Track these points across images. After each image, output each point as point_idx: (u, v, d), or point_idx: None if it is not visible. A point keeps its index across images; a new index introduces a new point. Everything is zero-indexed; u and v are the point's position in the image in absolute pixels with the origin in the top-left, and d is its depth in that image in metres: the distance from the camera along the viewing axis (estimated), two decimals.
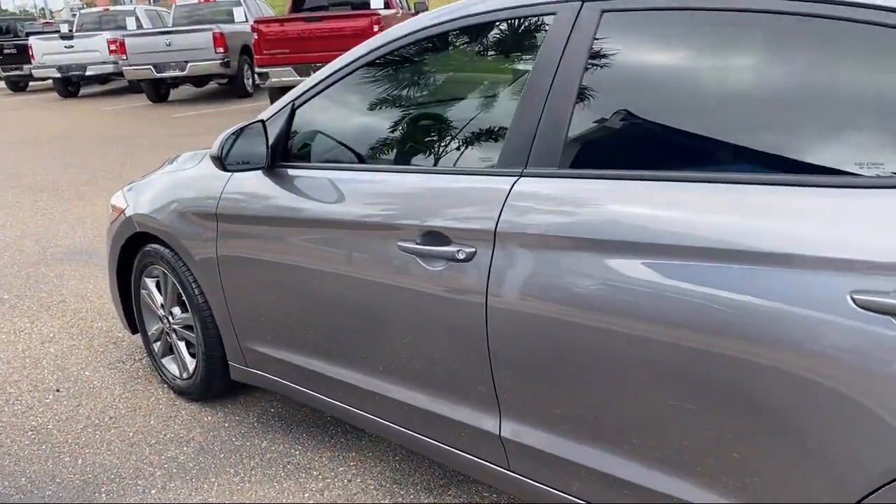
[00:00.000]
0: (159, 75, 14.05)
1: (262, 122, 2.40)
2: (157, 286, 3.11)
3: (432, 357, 2.03)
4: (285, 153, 2.47)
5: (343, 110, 2.43)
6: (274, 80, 11.33)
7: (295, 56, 11.15)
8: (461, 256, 1.88)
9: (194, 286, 2.80)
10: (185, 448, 2.76)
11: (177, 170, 2.96)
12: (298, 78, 11.22)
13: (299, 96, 2.43)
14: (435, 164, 2.14)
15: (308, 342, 2.43)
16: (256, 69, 11.41)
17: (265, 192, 2.44)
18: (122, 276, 3.24)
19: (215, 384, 2.95)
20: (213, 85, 15.36)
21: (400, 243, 2.02)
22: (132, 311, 3.29)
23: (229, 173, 2.60)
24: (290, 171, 2.41)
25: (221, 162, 2.35)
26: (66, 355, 3.59)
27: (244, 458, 2.68)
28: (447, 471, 2.54)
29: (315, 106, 2.43)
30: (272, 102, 12.75)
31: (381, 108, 2.33)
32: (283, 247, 2.37)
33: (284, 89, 11.60)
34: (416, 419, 2.16)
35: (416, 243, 1.98)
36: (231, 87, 15.00)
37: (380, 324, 2.14)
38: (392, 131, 2.30)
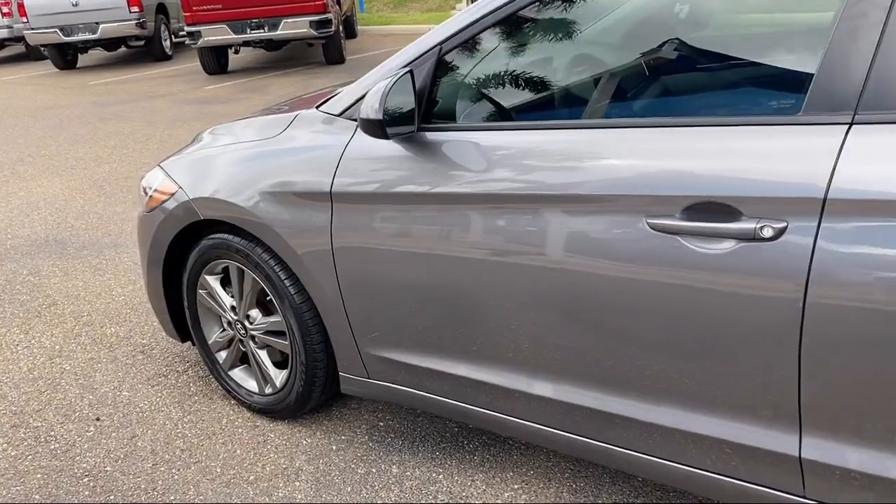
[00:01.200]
0: (67, 39, 12.77)
1: (411, 71, 1.87)
2: (224, 285, 2.53)
3: (689, 359, 1.60)
4: (427, 112, 1.95)
5: (512, 53, 1.92)
6: (208, 38, 10.39)
7: (229, 12, 10.24)
8: (766, 234, 1.44)
9: (289, 284, 2.25)
10: (297, 483, 2.25)
11: (245, 141, 2.37)
12: (234, 36, 10.36)
13: (450, 37, 1.90)
14: (689, 115, 1.67)
15: (468, 347, 1.95)
16: (186, 28, 10.42)
17: (407, 163, 1.92)
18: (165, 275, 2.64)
19: (314, 400, 2.43)
20: (124, 49, 14.09)
21: (651, 220, 1.56)
22: (177, 315, 2.70)
23: (344, 142, 2.06)
24: (442, 135, 1.90)
25: (383, 127, 1.80)
26: (88, 372, 2.96)
27: (379, 490, 2.19)
28: (645, 489, 2.13)
29: (468, 49, 1.91)
30: (203, 64, 11.85)
31: (580, 44, 1.84)
32: (435, 232, 1.87)
33: (216, 50, 10.69)
34: (656, 440, 1.73)
35: (681, 219, 1.53)
36: (147, 50, 13.83)
37: (602, 324, 1.68)
38: (608, 75, 1.81)
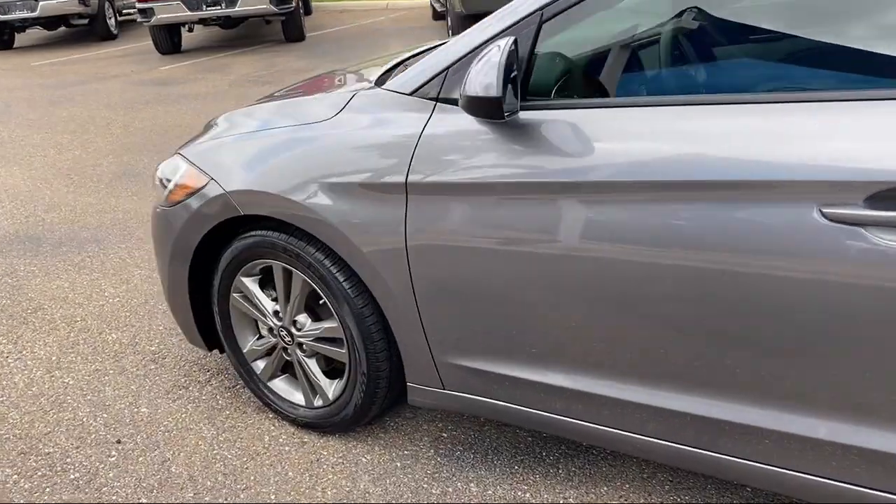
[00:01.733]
0: (3, 18, 12.02)
1: (516, 39, 1.61)
2: (262, 287, 2.25)
3: (859, 365, 1.41)
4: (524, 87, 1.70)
5: (629, 16, 1.68)
6: (161, 16, 9.84)
7: None
8: None
9: (349, 287, 1.99)
10: None
11: (285, 126, 2.08)
12: (189, 13, 9.86)
13: (553, 1, 1.65)
14: (877, 85, 1.46)
15: (573, 355, 1.73)
16: (137, 5, 9.85)
17: (499, 147, 1.67)
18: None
19: (373, 412, 2.17)
20: (64, 28, 13.32)
21: (826, 209, 1.35)
22: (202, 321, 2.42)
23: (421, 124, 1.80)
24: (541, 114, 1.66)
25: (502, 106, 1.55)
26: (96, 386, 2.65)
27: None
28: (756, 499, 1.95)
29: (575, 14, 1.67)
30: (155, 43, 11.21)
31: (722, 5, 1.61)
32: (536, 225, 1.64)
33: (170, 28, 10.16)
34: (779, 448, 1.53)
35: (864, 207, 1.33)
36: (90, 30, 13.12)
37: (751, 327, 1.48)
38: (769, 41, 1.58)
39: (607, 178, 1.54)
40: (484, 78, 1.54)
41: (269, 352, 2.34)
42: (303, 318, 2.18)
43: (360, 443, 2.25)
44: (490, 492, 2.02)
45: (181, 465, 2.21)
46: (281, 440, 2.29)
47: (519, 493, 2.01)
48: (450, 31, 9.12)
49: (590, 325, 1.67)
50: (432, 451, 2.20)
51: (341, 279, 2.00)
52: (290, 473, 2.15)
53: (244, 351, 2.37)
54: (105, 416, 2.47)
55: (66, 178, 5.22)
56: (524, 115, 1.67)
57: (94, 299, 3.31)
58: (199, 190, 2.18)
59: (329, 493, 2.06)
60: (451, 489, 2.04)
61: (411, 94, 1.85)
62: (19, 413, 2.52)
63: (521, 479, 2.06)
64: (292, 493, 2.07)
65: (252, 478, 2.14)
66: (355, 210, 1.88)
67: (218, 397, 2.53)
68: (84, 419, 2.46)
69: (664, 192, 1.49)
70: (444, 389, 1.99)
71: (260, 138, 2.11)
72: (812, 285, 1.39)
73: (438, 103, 1.80)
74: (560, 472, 2.08)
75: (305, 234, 2.03)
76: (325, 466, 2.17)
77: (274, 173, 2.01)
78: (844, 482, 1.49)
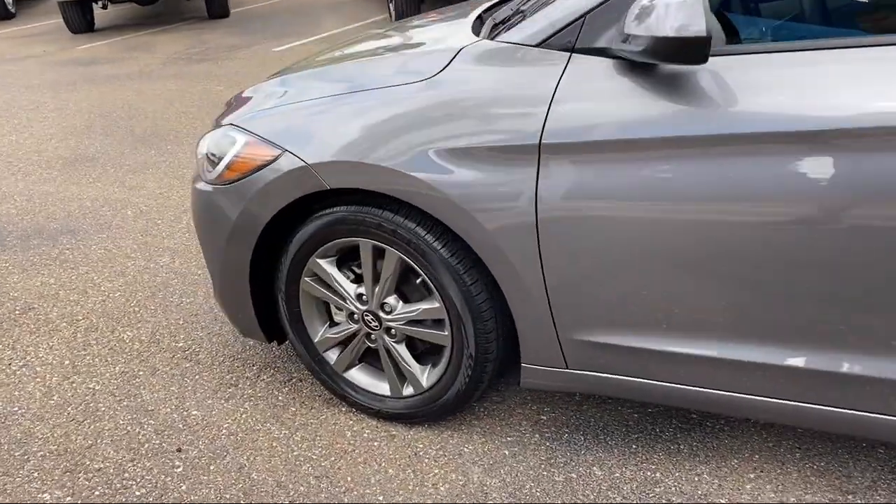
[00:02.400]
0: None
1: None
2: (341, 268, 2.04)
3: None
4: None
5: None
6: None
7: None
8: None
9: (455, 262, 1.81)
10: None
11: (372, 88, 1.87)
12: None
13: None
14: None
15: (724, 324, 1.61)
16: None
17: (658, 98, 1.53)
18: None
19: (476, 398, 2.01)
20: None
21: None
22: (260, 312, 2.18)
23: (555, 77, 1.63)
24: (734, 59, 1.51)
25: (705, 46, 1.39)
26: (130, 390, 2.37)
27: (599, 501, 1.82)
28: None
29: None
30: (67, 22, 10.41)
31: None
32: (697, 186, 1.50)
33: (82, 5, 9.48)
34: None
35: None
36: None
37: None
38: None
39: (791, 128, 1.41)
40: (680, 15, 1.38)
41: (345, 340, 2.12)
42: (393, 300, 1.98)
43: (454, 432, 2.08)
44: (617, 474, 1.89)
45: (262, 470, 1.99)
46: (366, 435, 2.09)
47: (648, 474, 1.89)
48: (390, 5, 8.84)
49: (759, 296, 1.55)
50: (537, 435, 2.05)
51: (447, 255, 1.82)
52: (391, 471, 1.96)
53: (315, 341, 2.15)
54: (152, 422, 2.20)
55: (8, 165, 4.75)
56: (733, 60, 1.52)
57: (90, 295, 2.99)
58: (268, 164, 1.94)
59: (441, 488, 1.89)
60: (573, 475, 1.90)
61: (539, 45, 1.67)
62: (47, 426, 2.22)
63: (645, 458, 1.94)
64: (400, 492, 1.88)
65: (349, 478, 1.94)
66: (475, 179, 1.70)
67: (276, 393, 2.30)
68: (128, 427, 2.19)
69: (853, 140, 1.37)
70: (566, 369, 1.84)
71: (343, 103, 1.89)
72: None
73: (574, 54, 1.63)
74: (682, 448, 1.97)
75: (403, 208, 1.83)
76: (425, 460, 1.98)
77: (369, 141, 1.80)
78: None
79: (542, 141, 1.62)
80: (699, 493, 1.82)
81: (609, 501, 1.81)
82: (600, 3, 1.60)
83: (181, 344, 2.60)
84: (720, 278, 1.57)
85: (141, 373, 2.45)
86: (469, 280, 1.83)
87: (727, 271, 1.55)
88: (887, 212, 1.37)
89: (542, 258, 1.71)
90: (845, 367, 1.54)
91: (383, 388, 2.12)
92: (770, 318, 1.57)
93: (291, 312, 2.13)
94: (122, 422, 2.22)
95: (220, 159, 2.05)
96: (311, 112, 1.93)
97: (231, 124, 2.08)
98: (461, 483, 1.90)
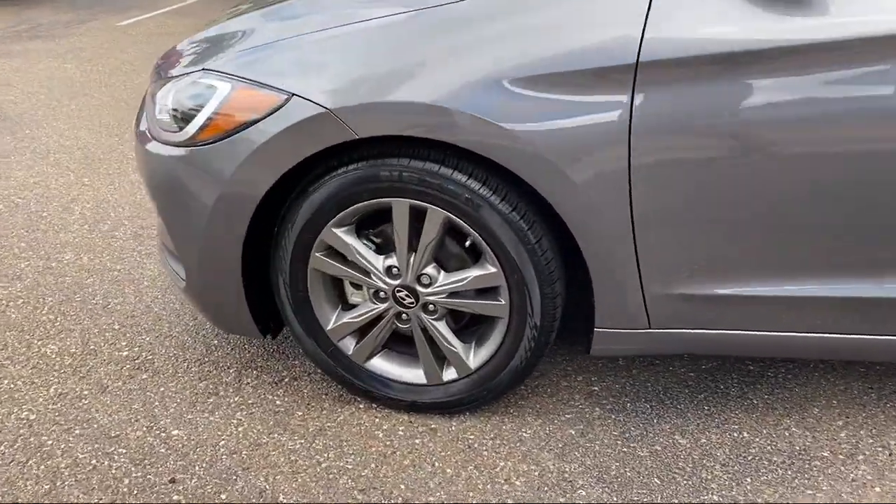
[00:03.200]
0: None
1: None
2: (362, 238, 1.70)
3: None
4: None
5: None
6: None
7: None
8: None
9: (518, 218, 1.53)
10: (582, 491, 1.59)
11: (401, 12, 1.54)
12: None
13: None
14: None
15: (819, 259, 1.47)
16: None
17: None
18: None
19: (531, 374, 1.74)
20: None
21: None
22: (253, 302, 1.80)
23: None
24: None
25: None
26: (77, 416, 1.90)
27: (702, 475, 1.62)
28: None
29: None
30: None
31: None
32: (845, 101, 1.33)
33: None
34: None
35: None
36: None
37: None
38: None
39: None
40: None
41: (367, 325, 1.78)
42: (432, 269, 1.67)
43: (504, 417, 1.80)
44: (703, 440, 1.70)
45: (290, 492, 1.62)
46: (401, 433, 1.77)
47: (735, 435, 1.71)
48: None
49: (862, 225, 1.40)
50: (597, 408, 1.82)
51: (507, 210, 1.53)
52: (449, 470, 1.65)
53: (328, 329, 1.79)
54: (123, 451, 1.76)
55: None
56: None
57: (47, 311, 2.41)
58: (268, 114, 1.56)
59: (517, 483, 1.61)
60: (657, 447, 1.69)
61: None
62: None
63: (723, 418, 1.76)
64: (471, 495, 1.59)
65: (402, 486, 1.62)
66: (556, 114, 1.42)
67: (270, 397, 1.92)
68: (94, 462, 1.73)
69: None
70: (649, 329, 1.62)
71: (370, 29, 1.54)
72: None
73: None
74: (756, 402, 1.81)
75: (450, 158, 1.53)
76: (484, 453, 1.70)
77: (414, 75, 1.48)
78: None
79: (641, 59, 1.36)
80: (796, 449, 1.66)
81: (709, 472, 1.61)
82: None
83: (126, 353, 2.13)
84: (836, 210, 1.39)
85: (86, 392, 1.97)
86: (534, 238, 1.55)
87: (845, 202, 1.38)
88: None
89: (633, 203, 1.46)
90: None
91: (415, 375, 1.80)
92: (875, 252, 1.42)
93: (296, 298, 1.75)
94: (82, 455, 1.75)
95: (193, 114, 1.64)
96: (322, 45, 1.57)
97: (205, 69, 1.66)
98: (537, 474, 1.63)
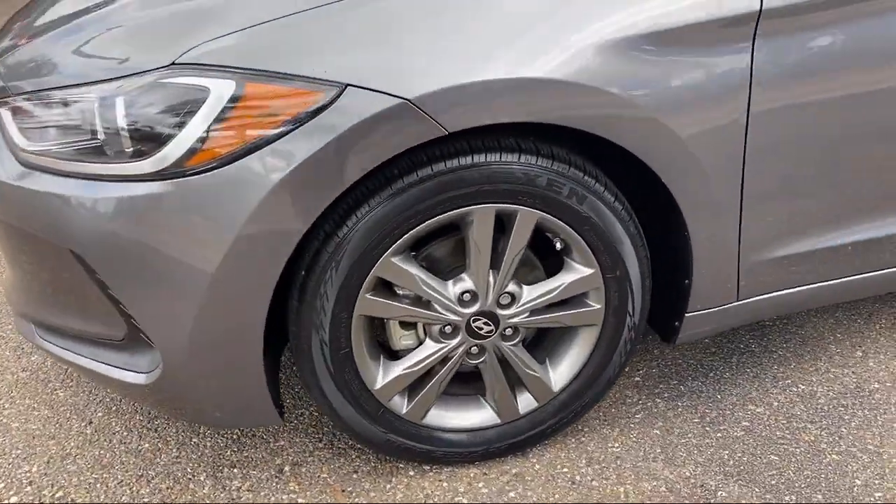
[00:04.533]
0: None
1: None
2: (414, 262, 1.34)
3: None
4: None
5: None
6: None
7: None
8: None
9: (621, 208, 1.33)
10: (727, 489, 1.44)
11: None
12: None
13: None
14: None
15: None
16: None
17: None
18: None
19: (615, 383, 1.54)
20: None
21: None
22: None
23: None
24: None
25: None
26: None
27: (793, 440, 1.57)
28: None
29: None
30: None
31: None
32: None
33: None
34: None
35: None
36: None
37: None
38: None
39: None
40: None
41: (425, 376, 1.41)
42: (514, 286, 1.37)
43: (574, 438, 1.57)
44: (775, 403, 1.65)
45: None
46: (485, 490, 1.45)
47: (795, 390, 1.70)
48: None
49: None
50: (658, 400, 1.68)
51: (611, 199, 1.32)
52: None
53: (375, 389, 1.38)
54: None
55: None
56: None
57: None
58: (307, 118, 1.13)
59: (631, 497, 1.41)
60: (745, 422, 1.60)
61: None
62: None
63: (773, 377, 1.74)
64: None
65: None
66: (676, 75, 1.23)
67: (278, 496, 1.45)
68: None
69: None
70: (737, 301, 1.51)
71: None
72: None
73: None
74: (784, 354, 1.81)
75: (544, 144, 1.26)
76: (594, 483, 1.46)
77: (509, 45, 1.17)
78: None
79: (764, 6, 1.23)
80: (850, 388, 1.69)
81: (808, 433, 1.56)
82: None
83: (95, 451, 1.46)
84: None
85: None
86: (635, 229, 1.35)
87: None
88: None
89: (745, 168, 1.33)
90: None
91: (482, 417, 1.48)
92: None
93: (335, 357, 1.33)
94: None
95: (168, 133, 1.13)
96: (373, 12, 1.17)
97: (176, 64, 1.15)
98: (663, 488, 1.44)
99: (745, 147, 1.31)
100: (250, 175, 1.13)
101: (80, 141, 1.19)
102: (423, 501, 1.42)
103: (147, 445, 1.56)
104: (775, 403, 1.64)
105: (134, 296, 1.22)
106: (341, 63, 1.13)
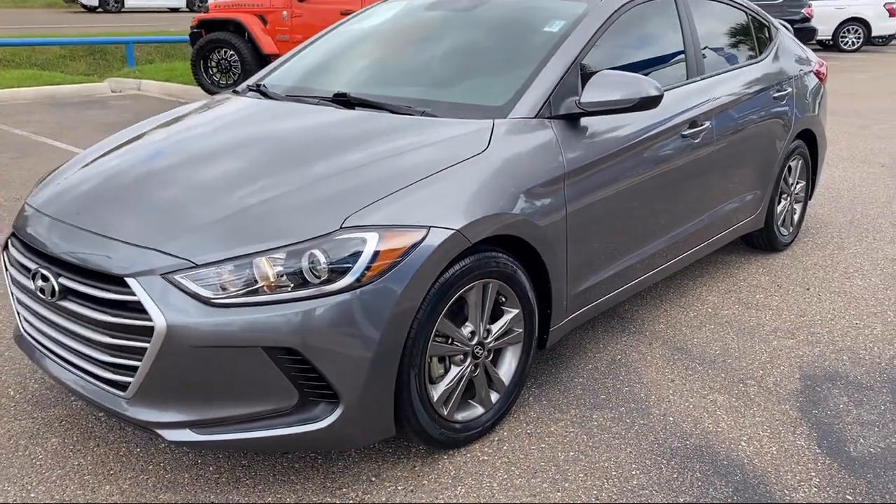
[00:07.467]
0: None
1: None
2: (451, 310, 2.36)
3: None
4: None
5: None
6: None
7: None
8: None
9: (520, 271, 2.52)
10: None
11: (460, 159, 2.42)
12: None
13: None
14: None
15: (638, 241, 3.05)
16: None
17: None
18: None
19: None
20: None
21: None
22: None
23: (552, 136, 2.71)
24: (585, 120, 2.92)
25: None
26: None
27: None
28: None
29: None
30: None
31: None
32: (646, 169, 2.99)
33: None
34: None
35: None
36: None
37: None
38: None
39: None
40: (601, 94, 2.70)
41: (454, 388, 2.40)
42: (489, 325, 2.49)
43: (558, 420, 2.70)
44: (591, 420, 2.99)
45: None
46: (503, 480, 2.48)
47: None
48: None
49: (639, 221, 3.03)
50: (637, 398, 2.89)
51: (520, 270, 2.55)
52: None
53: (435, 400, 2.35)
54: None
55: None
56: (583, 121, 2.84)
57: None
58: (413, 247, 2.16)
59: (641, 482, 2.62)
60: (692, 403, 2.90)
61: (534, 117, 2.64)
62: None
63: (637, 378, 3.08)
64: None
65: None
66: (540, 205, 2.55)
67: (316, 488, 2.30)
68: None
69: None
70: (567, 317, 2.81)
71: (443, 177, 2.32)
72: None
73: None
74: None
75: (501, 243, 2.46)
76: (595, 472, 2.60)
77: (487, 197, 2.37)
78: None
79: (566, 170, 2.64)
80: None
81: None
82: None
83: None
84: (644, 216, 2.96)
85: None
86: (530, 283, 2.60)
87: (647, 214, 2.97)
88: None
89: (568, 240, 2.68)
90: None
91: (472, 412, 2.51)
92: (645, 228, 3.06)
93: (420, 384, 2.28)
94: None
95: (345, 265, 2.08)
96: (425, 187, 2.27)
97: (343, 227, 2.10)
98: (711, 485, 2.65)
99: (566, 229, 2.63)
100: (389, 283, 2.09)
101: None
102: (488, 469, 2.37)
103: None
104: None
105: (332, 361, 2.04)
106: (427, 214, 2.19)
